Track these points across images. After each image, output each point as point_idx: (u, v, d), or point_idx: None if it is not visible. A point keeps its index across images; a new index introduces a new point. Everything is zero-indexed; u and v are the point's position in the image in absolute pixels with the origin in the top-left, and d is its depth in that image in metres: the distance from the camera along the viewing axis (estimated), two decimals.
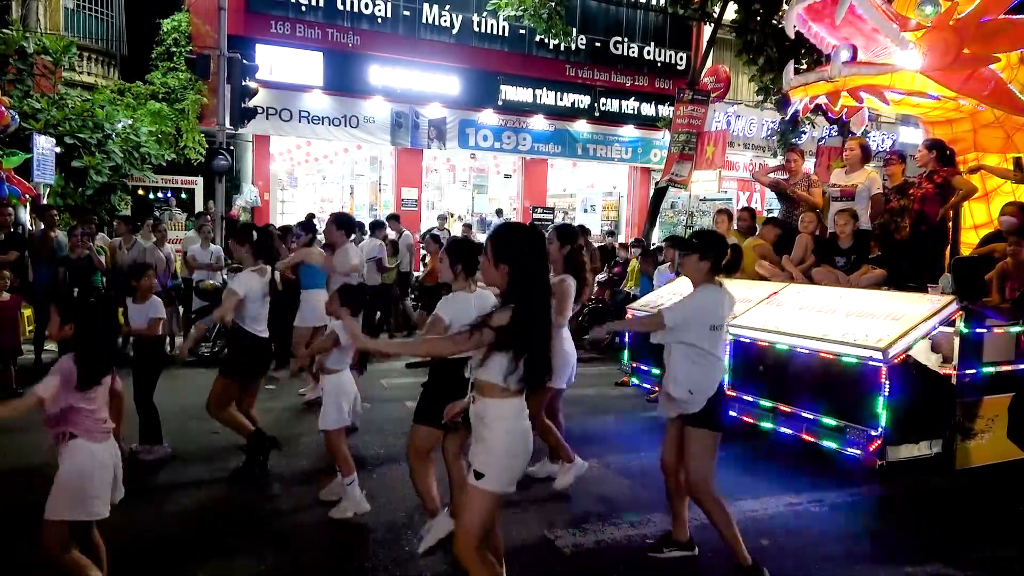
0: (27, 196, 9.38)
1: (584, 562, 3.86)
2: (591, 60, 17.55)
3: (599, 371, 8.73)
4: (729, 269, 3.51)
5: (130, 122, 11.93)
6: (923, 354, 4.92)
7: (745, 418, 5.51)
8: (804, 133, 15.22)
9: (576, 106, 17.26)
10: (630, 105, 17.92)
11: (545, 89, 16.82)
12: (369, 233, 10.50)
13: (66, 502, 2.88)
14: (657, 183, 15.39)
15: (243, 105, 11.30)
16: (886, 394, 4.48)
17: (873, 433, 4.51)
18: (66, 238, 8.11)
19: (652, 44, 18.30)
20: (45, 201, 9.93)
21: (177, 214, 12.86)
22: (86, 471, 2.91)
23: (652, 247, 11.49)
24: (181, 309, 9.43)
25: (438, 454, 3.82)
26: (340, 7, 14.87)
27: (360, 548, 3.93)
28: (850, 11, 6.02)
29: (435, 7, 15.69)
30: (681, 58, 18.61)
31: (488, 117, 16.37)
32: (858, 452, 4.60)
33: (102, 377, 2.99)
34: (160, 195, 13.25)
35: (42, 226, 8.27)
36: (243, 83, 11.27)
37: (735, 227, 7.66)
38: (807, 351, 5.03)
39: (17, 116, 9.51)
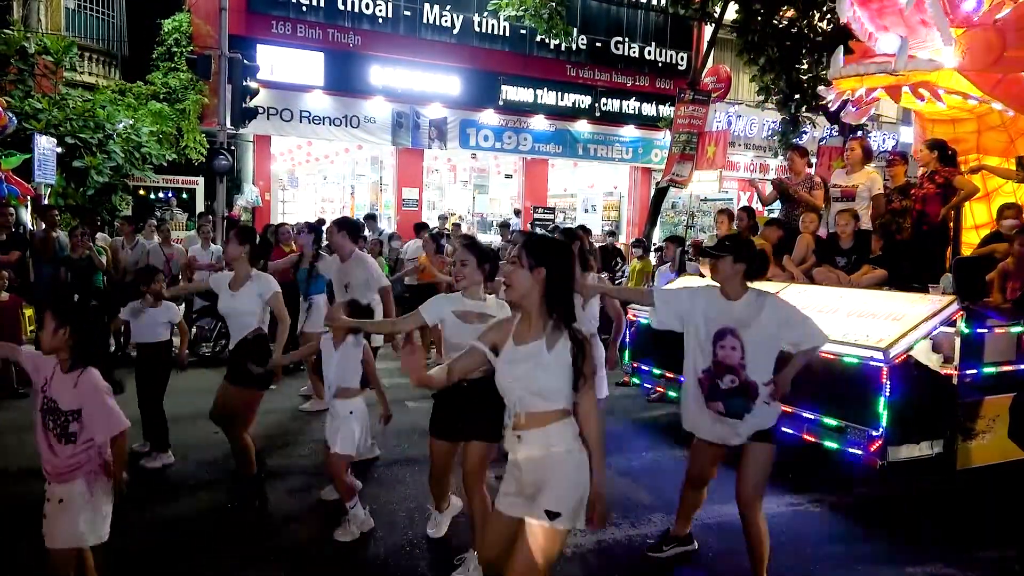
0: (26, 196, 9.38)
1: (584, 562, 3.86)
2: (592, 60, 17.53)
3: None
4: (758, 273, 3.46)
5: (131, 122, 11.90)
6: (924, 354, 4.90)
7: None
8: (805, 133, 15.19)
9: (577, 106, 17.24)
10: (631, 105, 17.90)
11: (546, 89, 16.80)
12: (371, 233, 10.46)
13: (88, 527, 2.89)
14: (658, 183, 15.37)
15: (244, 105, 11.31)
16: (887, 394, 4.47)
17: (874, 433, 4.50)
18: (67, 238, 8.14)
19: (653, 44, 18.27)
20: (46, 201, 9.93)
21: (178, 214, 12.87)
22: (107, 497, 2.96)
23: (653, 247, 11.46)
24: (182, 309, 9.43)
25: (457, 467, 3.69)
26: (341, 7, 14.86)
27: (361, 549, 3.93)
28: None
29: (436, 7, 15.68)
30: (682, 58, 18.59)
31: (489, 117, 16.35)
32: (859, 452, 4.58)
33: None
34: (161, 195, 13.25)
35: (43, 226, 8.29)
36: (244, 83, 11.27)
37: (735, 227, 7.65)
38: None
39: (15, 117, 9.50)
